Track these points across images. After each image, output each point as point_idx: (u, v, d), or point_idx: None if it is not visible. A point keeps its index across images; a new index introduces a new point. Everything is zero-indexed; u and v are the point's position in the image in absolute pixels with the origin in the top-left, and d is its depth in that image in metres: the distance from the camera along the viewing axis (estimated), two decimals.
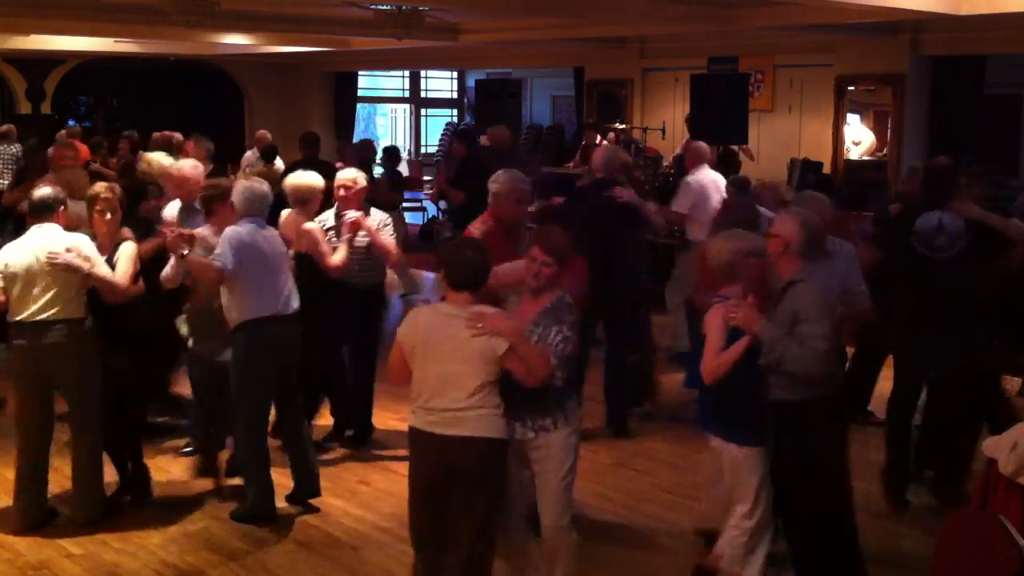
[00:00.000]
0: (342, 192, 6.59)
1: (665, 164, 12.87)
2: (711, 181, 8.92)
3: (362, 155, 11.29)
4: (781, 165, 12.94)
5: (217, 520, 5.79)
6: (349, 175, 6.70)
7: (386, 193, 10.75)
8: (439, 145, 20.14)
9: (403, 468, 6.58)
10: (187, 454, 6.73)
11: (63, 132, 13.32)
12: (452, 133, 12.48)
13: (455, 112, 21.78)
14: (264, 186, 5.80)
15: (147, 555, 5.37)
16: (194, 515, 5.86)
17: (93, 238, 5.67)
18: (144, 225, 6.55)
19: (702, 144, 9.41)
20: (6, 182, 11.97)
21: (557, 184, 11.16)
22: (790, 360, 4.43)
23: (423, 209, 17.17)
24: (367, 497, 6.15)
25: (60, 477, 5.91)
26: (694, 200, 8.76)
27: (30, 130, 14.27)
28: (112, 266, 5.63)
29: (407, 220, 13.27)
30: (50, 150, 9.20)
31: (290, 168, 9.13)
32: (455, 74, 21.49)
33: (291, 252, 6.14)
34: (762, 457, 4.61)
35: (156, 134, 11.52)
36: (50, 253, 5.37)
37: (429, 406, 4.23)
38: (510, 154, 10.81)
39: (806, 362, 4.43)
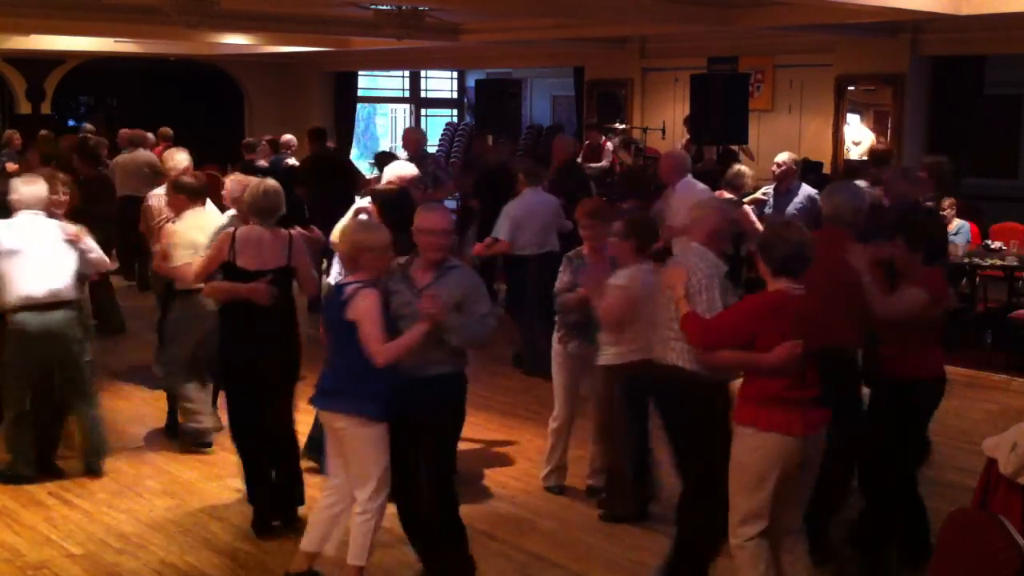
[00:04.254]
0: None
1: None
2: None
3: None
4: None
5: (217, 520, 5.80)
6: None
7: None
8: (439, 145, 20.09)
9: None
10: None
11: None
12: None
13: (455, 112, 21.76)
14: None
15: (147, 555, 5.38)
16: (194, 515, 5.87)
17: None
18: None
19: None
20: None
21: None
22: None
23: None
24: None
25: None
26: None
27: (30, 130, 14.25)
28: None
29: None
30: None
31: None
32: (455, 74, 21.47)
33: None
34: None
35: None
36: None
37: None
38: None
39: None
